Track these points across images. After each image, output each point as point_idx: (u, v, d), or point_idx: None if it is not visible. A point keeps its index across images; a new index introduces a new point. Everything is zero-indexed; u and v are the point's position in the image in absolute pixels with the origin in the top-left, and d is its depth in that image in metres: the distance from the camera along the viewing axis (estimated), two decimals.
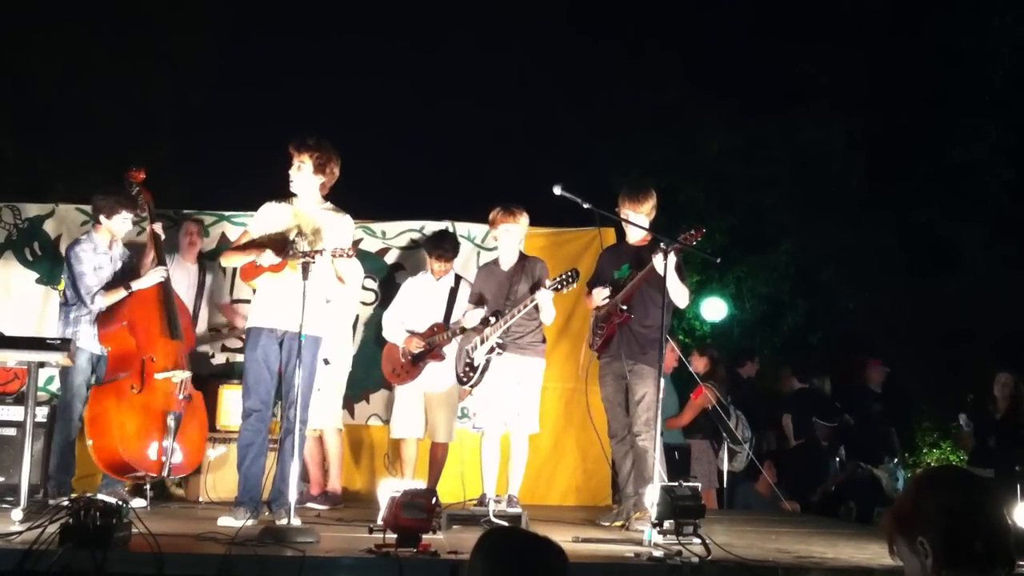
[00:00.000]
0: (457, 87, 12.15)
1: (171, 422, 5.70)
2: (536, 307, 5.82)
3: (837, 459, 8.88)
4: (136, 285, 6.01)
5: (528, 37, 12.52)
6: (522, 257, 6.13)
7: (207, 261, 7.15)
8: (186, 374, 5.88)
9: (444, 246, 6.74)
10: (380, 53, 12.40)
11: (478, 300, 6.13)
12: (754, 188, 12.09)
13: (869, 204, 11.83)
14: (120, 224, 6.24)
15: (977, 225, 11.46)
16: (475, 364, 5.93)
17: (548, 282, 5.73)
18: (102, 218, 6.21)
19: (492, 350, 5.84)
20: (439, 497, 4.38)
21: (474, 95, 12.12)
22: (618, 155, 12.09)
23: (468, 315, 6.06)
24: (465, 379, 6.04)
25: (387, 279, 7.47)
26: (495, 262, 6.25)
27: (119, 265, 6.27)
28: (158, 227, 6.20)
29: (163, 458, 5.66)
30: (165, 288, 6.06)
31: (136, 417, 5.66)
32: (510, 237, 6.07)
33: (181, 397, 5.82)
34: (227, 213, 7.53)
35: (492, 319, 5.89)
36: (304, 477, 6.49)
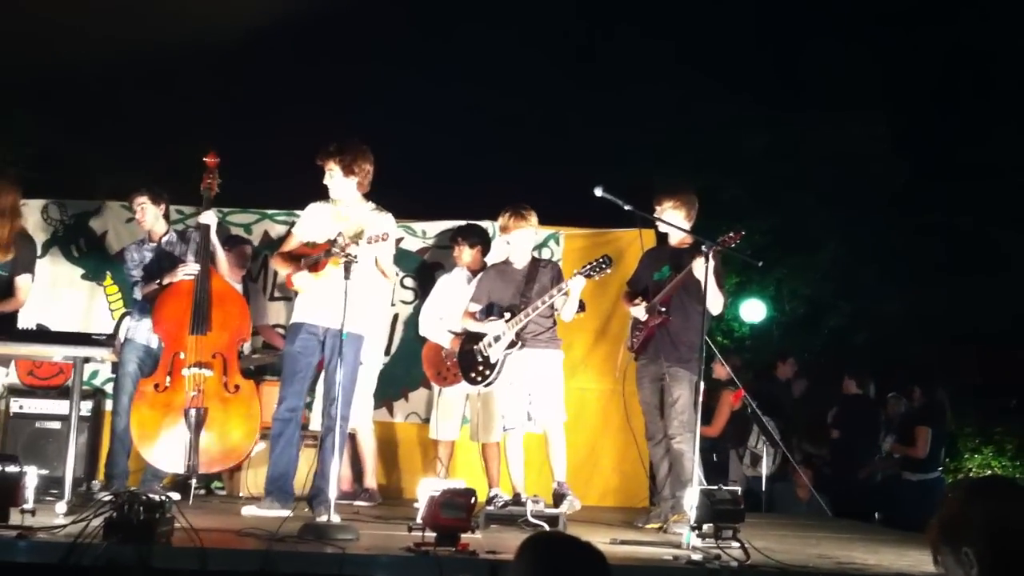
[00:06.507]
0: (498, 84, 12.16)
1: (192, 419, 5.54)
2: (553, 305, 5.82)
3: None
4: (167, 280, 5.93)
5: (571, 36, 12.53)
6: (534, 260, 6.13)
7: (249, 282, 7.18)
8: (205, 372, 5.64)
9: (478, 233, 6.86)
10: (425, 49, 12.44)
11: (486, 299, 6.07)
12: (796, 187, 11.98)
13: (912, 205, 11.68)
14: (144, 215, 6.17)
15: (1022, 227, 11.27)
16: (492, 362, 5.91)
17: (581, 268, 5.74)
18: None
19: (512, 345, 5.84)
20: (478, 497, 4.39)
21: (516, 93, 12.12)
22: (660, 154, 12.02)
23: (490, 325, 5.93)
24: (480, 379, 5.98)
25: (426, 278, 7.48)
26: (506, 262, 6.17)
27: (169, 256, 6.15)
28: (205, 217, 5.92)
29: (188, 456, 5.51)
30: (200, 282, 5.82)
31: (155, 415, 5.63)
32: (523, 239, 6.05)
33: (192, 394, 5.58)
34: (269, 211, 7.57)
35: (507, 315, 5.86)
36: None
